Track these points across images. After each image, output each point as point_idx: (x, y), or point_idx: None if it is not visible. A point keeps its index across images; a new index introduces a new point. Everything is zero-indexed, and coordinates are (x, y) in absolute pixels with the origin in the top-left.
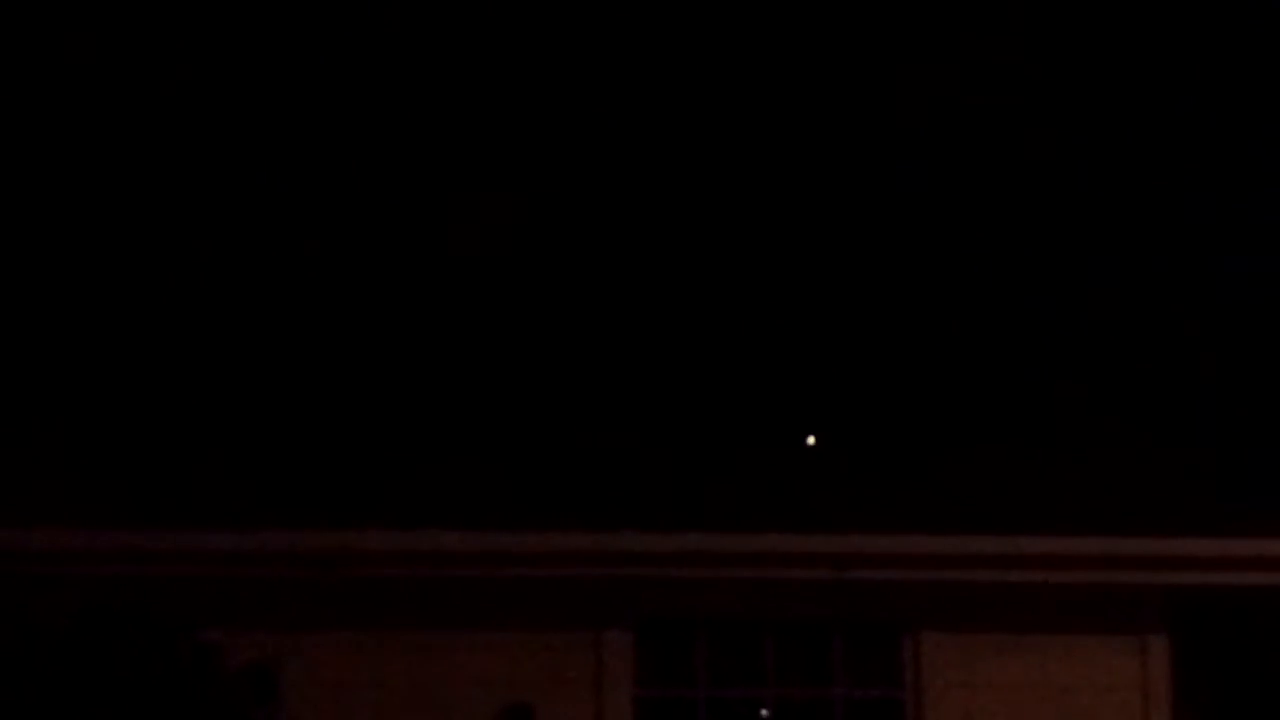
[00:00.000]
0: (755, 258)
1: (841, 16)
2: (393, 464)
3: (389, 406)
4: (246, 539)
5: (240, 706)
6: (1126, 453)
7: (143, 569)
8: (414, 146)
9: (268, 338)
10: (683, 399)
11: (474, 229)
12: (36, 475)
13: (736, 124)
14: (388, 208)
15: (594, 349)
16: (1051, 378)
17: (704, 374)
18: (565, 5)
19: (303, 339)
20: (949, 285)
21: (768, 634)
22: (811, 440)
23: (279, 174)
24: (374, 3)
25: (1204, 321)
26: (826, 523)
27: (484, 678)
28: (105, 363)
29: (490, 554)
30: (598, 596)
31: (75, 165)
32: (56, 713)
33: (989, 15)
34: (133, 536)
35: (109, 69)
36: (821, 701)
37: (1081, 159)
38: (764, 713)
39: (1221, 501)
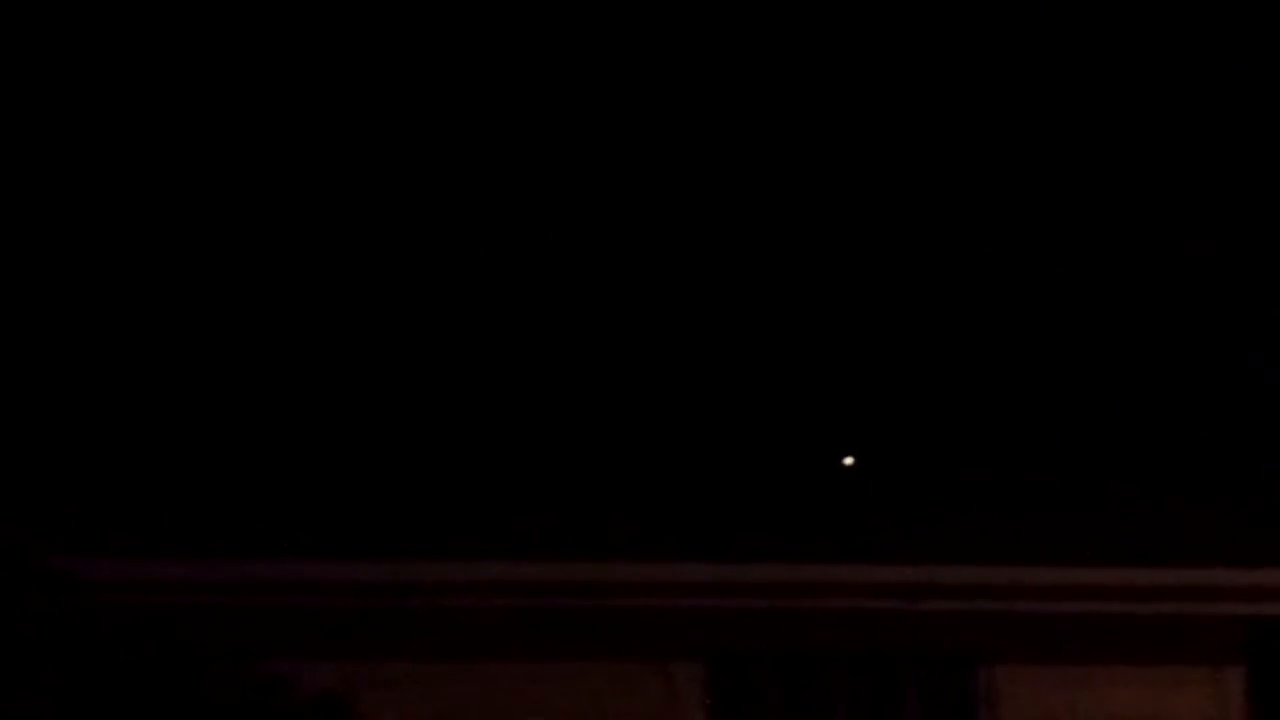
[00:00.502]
0: (815, 291)
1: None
2: (463, 494)
3: (459, 436)
4: (317, 569)
5: None
6: (1200, 485)
7: (213, 599)
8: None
9: (336, 369)
10: (754, 431)
11: (532, 258)
12: (105, 505)
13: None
14: (451, 235)
15: (663, 382)
16: (1123, 411)
17: (776, 405)
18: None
19: (371, 371)
20: (1024, 316)
21: (840, 666)
22: (849, 460)
23: (339, 202)
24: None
25: None
26: (900, 553)
27: (555, 709)
28: (175, 394)
29: (561, 585)
30: (669, 628)
31: (111, 189)
32: None
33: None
34: (203, 567)
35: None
36: None
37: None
38: None
39: None
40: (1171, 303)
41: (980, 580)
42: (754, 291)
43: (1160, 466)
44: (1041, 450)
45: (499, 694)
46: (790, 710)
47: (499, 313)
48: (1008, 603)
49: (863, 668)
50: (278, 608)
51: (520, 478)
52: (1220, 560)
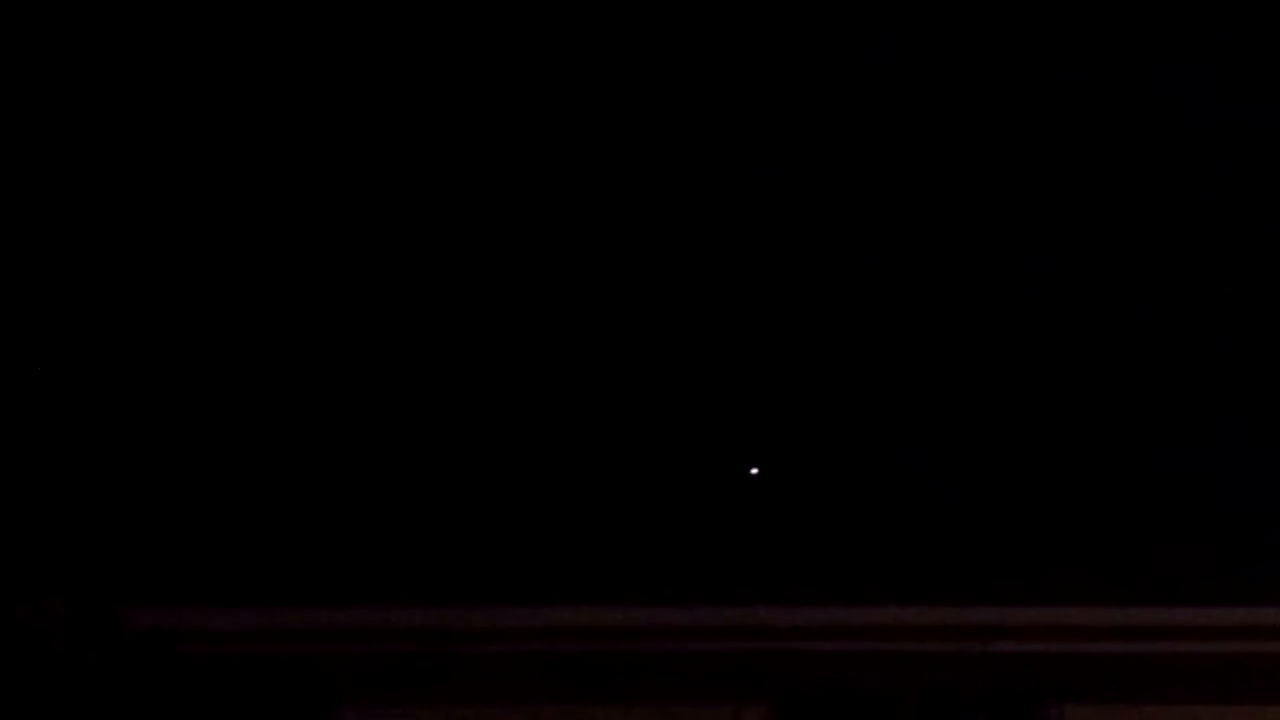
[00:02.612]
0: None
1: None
2: (531, 540)
3: (522, 483)
4: (387, 615)
5: None
6: (1270, 522)
7: (283, 648)
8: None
9: (401, 418)
10: (821, 476)
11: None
12: (172, 555)
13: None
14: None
15: (727, 426)
16: (1189, 450)
17: (843, 446)
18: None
19: (433, 422)
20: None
21: (909, 707)
22: (755, 471)
23: (396, 230)
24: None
25: None
26: (970, 595)
27: None
28: (248, 444)
29: (630, 629)
30: (737, 670)
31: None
32: None
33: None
34: (273, 614)
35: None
36: None
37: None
38: None
39: None
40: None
41: (1049, 621)
42: (811, 340)
43: (1224, 509)
44: (1110, 494)
45: None
46: None
47: (559, 357)
48: (1076, 643)
49: (931, 709)
50: (346, 655)
51: (584, 522)
52: None
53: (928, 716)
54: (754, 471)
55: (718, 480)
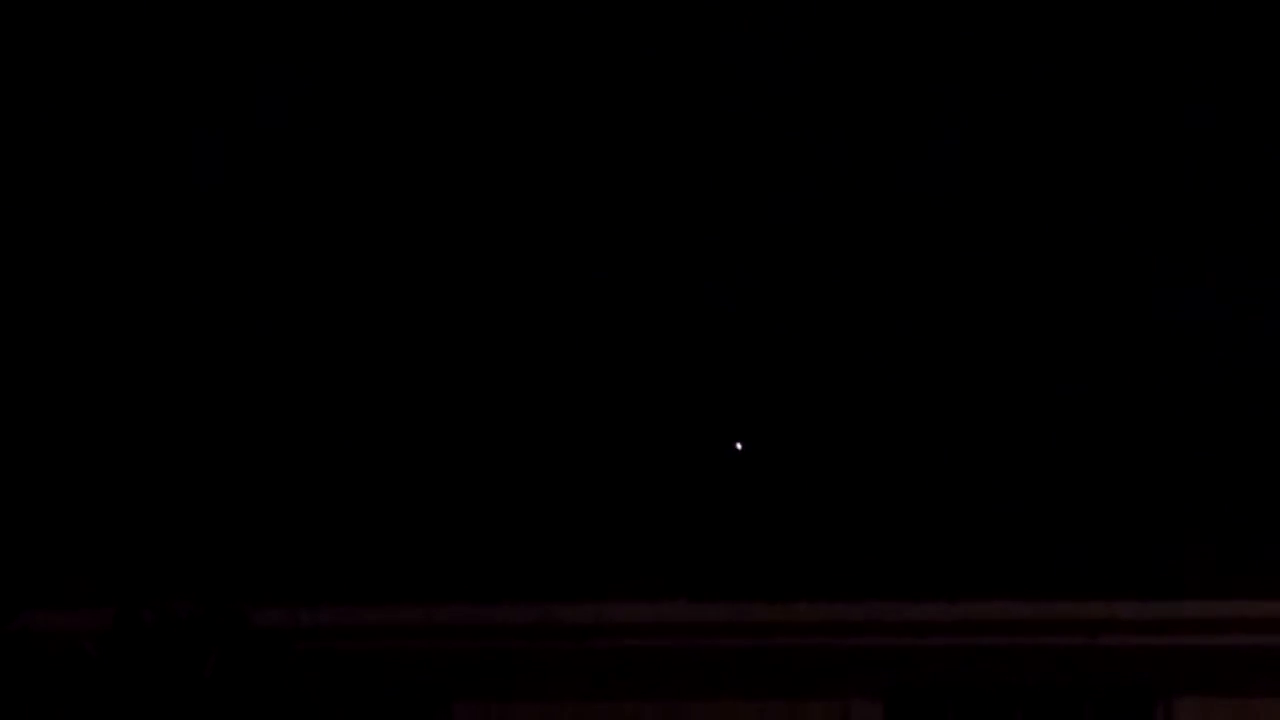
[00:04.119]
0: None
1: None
2: (640, 535)
3: (628, 479)
4: (498, 612)
5: None
6: None
7: (404, 644)
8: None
9: (491, 420)
10: (928, 471)
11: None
12: (301, 556)
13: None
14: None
15: (837, 419)
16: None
17: (948, 446)
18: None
19: (528, 417)
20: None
21: (1017, 702)
22: (739, 446)
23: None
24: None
25: None
26: (1079, 588)
27: None
28: (362, 446)
29: (739, 624)
30: (846, 666)
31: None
32: None
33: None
34: (398, 611)
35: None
36: None
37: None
38: None
39: None
40: None
41: (1160, 615)
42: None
43: None
44: (1222, 485)
45: None
46: None
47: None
48: (1189, 637)
49: (1041, 703)
50: (466, 651)
51: (692, 517)
52: None
53: (1037, 712)
54: (738, 446)
55: (823, 476)
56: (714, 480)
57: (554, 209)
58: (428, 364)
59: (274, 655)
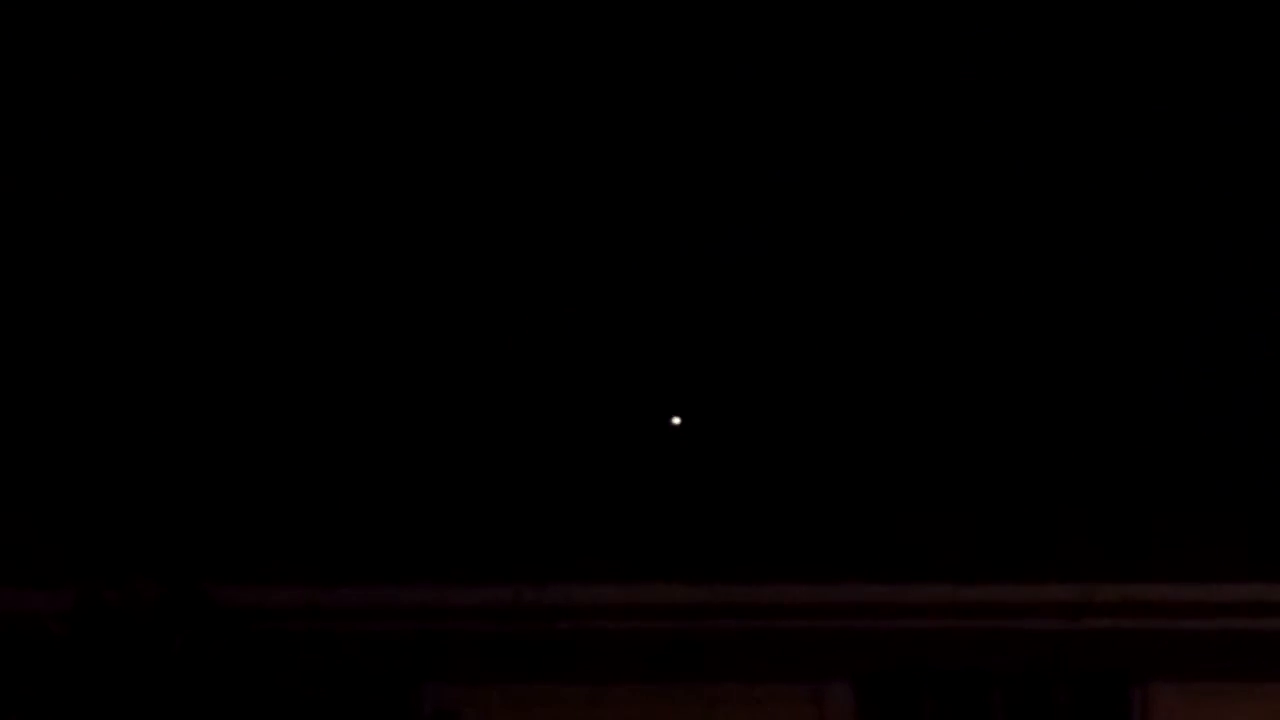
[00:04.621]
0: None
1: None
2: (609, 516)
3: (606, 463)
4: (465, 593)
5: None
6: None
7: (368, 625)
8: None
9: (468, 402)
10: (903, 449)
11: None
12: (265, 536)
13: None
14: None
15: (822, 403)
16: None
17: (923, 423)
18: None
19: (505, 400)
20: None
21: (993, 685)
22: (676, 420)
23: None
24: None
25: None
26: (1058, 571)
27: None
28: (327, 425)
29: (711, 606)
30: (819, 649)
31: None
32: None
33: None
34: (359, 593)
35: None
36: None
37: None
38: None
39: None
40: None
41: (1138, 598)
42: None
43: None
44: (1200, 469)
45: (653, 713)
46: None
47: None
48: (1169, 620)
49: (1018, 687)
50: (433, 633)
51: (669, 500)
52: None
53: (1013, 695)
54: (675, 421)
55: (798, 457)
56: (688, 462)
57: (552, 207)
58: (398, 345)
59: (240, 636)
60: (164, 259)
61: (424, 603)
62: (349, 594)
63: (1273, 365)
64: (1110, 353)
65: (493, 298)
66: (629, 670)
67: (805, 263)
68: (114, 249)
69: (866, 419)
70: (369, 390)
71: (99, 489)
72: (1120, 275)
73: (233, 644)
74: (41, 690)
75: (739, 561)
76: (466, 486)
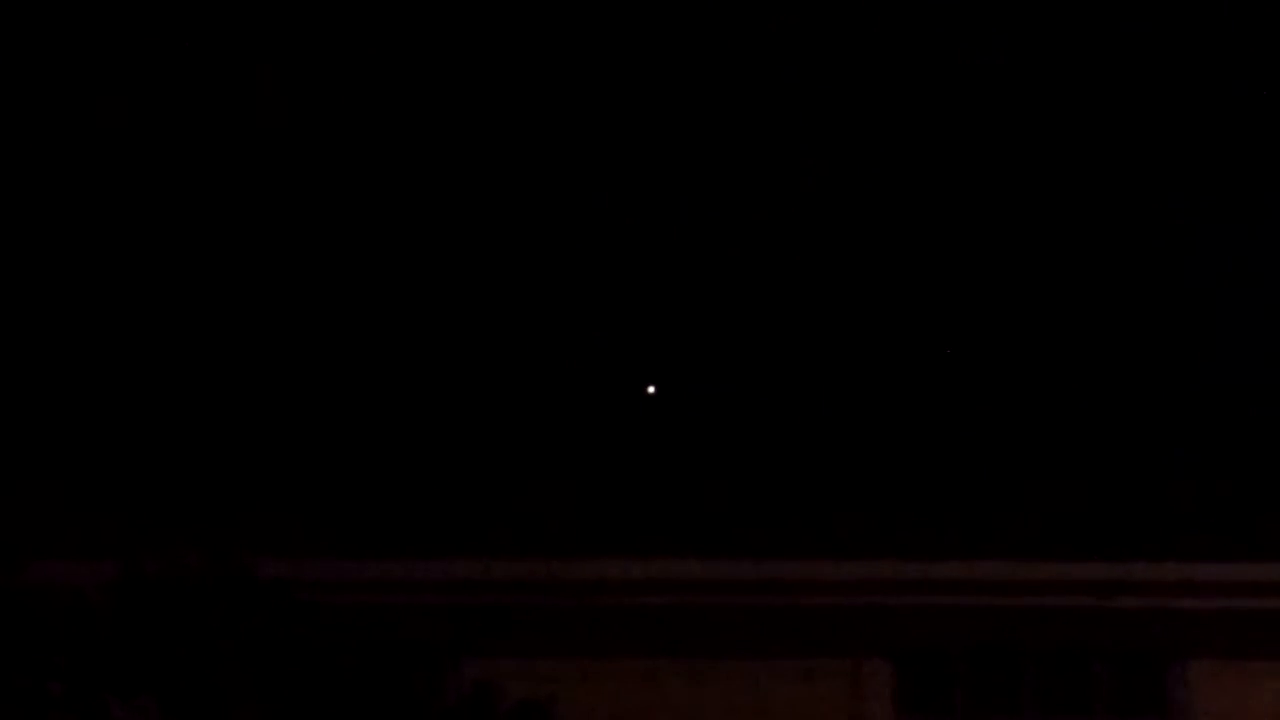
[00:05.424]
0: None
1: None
2: (654, 494)
3: (647, 438)
4: (504, 567)
5: None
6: None
7: (412, 599)
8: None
9: (506, 376)
10: (939, 426)
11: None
12: (302, 507)
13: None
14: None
15: (846, 380)
16: None
17: (964, 406)
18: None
19: (544, 376)
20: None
21: (1028, 663)
22: (651, 390)
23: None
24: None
25: None
26: (1091, 549)
27: (744, 706)
28: (370, 398)
29: (747, 582)
30: (856, 625)
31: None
32: None
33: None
34: (402, 566)
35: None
36: None
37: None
38: None
39: None
40: None
41: (1173, 577)
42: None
43: None
44: (1238, 447)
45: (688, 690)
46: (979, 707)
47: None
48: (1202, 599)
49: (1053, 664)
50: (472, 607)
51: (707, 476)
52: None
53: (1049, 674)
54: (650, 390)
55: (839, 434)
56: (728, 438)
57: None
58: (438, 324)
59: (280, 608)
60: (212, 238)
61: (463, 576)
62: (389, 567)
63: None
64: (1155, 328)
65: (506, 274)
66: (665, 646)
67: (834, 239)
68: (164, 229)
69: (908, 396)
70: (410, 367)
71: (141, 461)
72: (1176, 247)
73: (273, 616)
74: (83, 662)
75: (776, 537)
76: (504, 462)
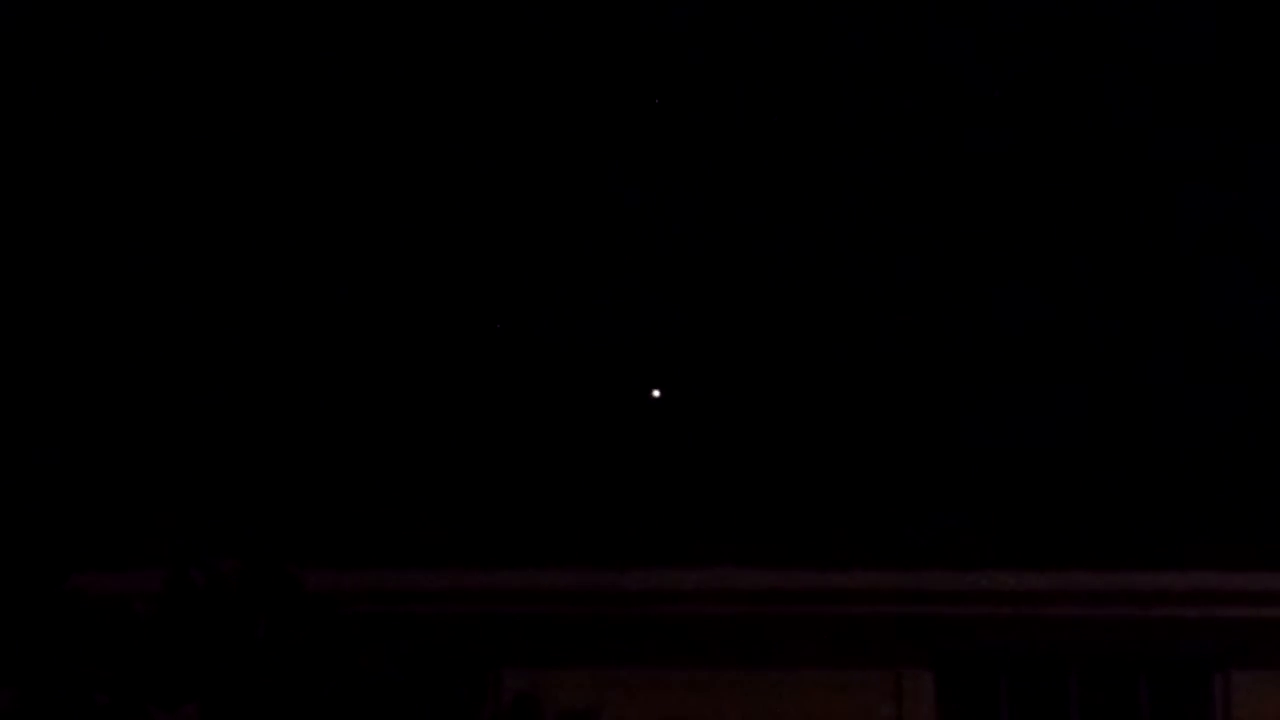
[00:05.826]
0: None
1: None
2: (698, 505)
3: (691, 450)
4: (547, 578)
5: None
6: None
7: (455, 609)
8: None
9: (553, 381)
10: (984, 436)
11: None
12: (350, 519)
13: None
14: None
15: (889, 388)
16: None
17: (1006, 414)
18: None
19: (593, 387)
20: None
21: (1071, 673)
22: (656, 393)
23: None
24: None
25: None
26: (1134, 559)
27: (785, 715)
28: (416, 409)
29: (789, 592)
30: (897, 635)
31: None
32: None
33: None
34: (444, 575)
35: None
36: None
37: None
38: None
39: None
40: None
41: (1218, 586)
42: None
43: None
44: (1272, 455)
45: (730, 699)
46: (1021, 718)
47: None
48: (1245, 609)
49: (1095, 674)
50: (516, 617)
51: (750, 488)
52: None
53: (1091, 684)
54: (655, 394)
55: (880, 444)
56: (773, 449)
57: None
58: (483, 338)
59: (325, 618)
60: (243, 244)
61: (506, 587)
62: (431, 578)
63: None
64: (1191, 333)
65: (562, 273)
66: (707, 655)
67: (849, 243)
68: (190, 233)
69: (950, 407)
70: (458, 374)
71: (185, 472)
72: (1198, 243)
73: (316, 626)
74: (128, 671)
75: (818, 547)
76: (549, 472)
